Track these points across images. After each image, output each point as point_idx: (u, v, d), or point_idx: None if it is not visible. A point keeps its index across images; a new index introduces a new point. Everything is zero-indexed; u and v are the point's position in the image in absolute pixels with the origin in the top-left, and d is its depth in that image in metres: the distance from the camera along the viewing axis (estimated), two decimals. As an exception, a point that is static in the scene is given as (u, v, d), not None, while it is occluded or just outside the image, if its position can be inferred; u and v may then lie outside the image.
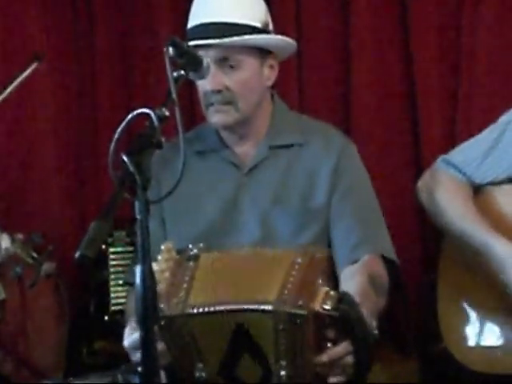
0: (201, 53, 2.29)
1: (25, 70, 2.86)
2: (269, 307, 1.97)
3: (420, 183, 2.67)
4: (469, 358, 2.52)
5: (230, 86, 2.38)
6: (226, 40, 2.35)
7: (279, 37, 2.49)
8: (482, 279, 2.51)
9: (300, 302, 1.97)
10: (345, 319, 2.00)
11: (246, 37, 2.38)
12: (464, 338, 2.56)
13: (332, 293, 2.02)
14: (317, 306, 1.99)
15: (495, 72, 3.09)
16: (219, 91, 2.37)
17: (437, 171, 2.61)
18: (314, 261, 2.11)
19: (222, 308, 1.99)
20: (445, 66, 3.16)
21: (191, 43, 2.36)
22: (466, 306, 2.58)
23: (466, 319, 2.56)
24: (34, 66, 2.87)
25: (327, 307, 1.99)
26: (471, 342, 2.55)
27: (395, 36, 3.22)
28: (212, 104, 2.40)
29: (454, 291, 2.59)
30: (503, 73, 3.11)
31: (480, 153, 2.54)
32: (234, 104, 2.40)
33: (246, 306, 1.99)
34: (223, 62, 2.38)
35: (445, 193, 2.56)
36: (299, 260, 2.08)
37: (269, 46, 2.45)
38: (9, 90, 2.83)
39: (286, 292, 2.00)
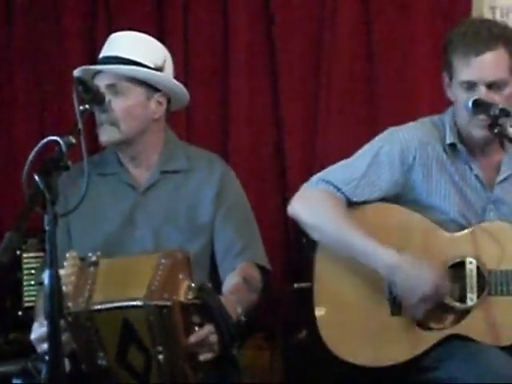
0: (96, 80, 2.36)
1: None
2: (138, 302, 2.01)
3: (295, 201, 2.44)
4: (348, 353, 2.36)
5: (115, 110, 2.37)
6: (111, 66, 2.39)
7: (161, 74, 2.44)
8: (358, 284, 2.38)
9: (165, 295, 2.03)
10: (205, 305, 2.10)
11: (130, 67, 2.39)
12: (343, 337, 2.38)
13: (193, 285, 2.10)
14: (180, 297, 2.06)
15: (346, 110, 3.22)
16: (105, 111, 2.35)
17: (314, 189, 2.43)
18: (177, 261, 2.12)
19: (108, 306, 2.03)
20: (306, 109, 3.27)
21: (85, 67, 2.41)
22: (342, 307, 2.40)
23: (343, 320, 2.39)
24: None
25: (190, 297, 2.07)
26: (349, 339, 2.38)
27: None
28: (102, 124, 2.40)
29: (331, 295, 2.41)
30: (352, 113, 3.24)
31: (357, 175, 2.40)
32: (117, 126, 2.40)
33: (120, 304, 2.03)
34: (112, 88, 2.39)
35: (326, 208, 2.37)
36: (163, 261, 2.10)
37: (150, 80, 2.43)
38: None
39: (152, 288, 2.04)
